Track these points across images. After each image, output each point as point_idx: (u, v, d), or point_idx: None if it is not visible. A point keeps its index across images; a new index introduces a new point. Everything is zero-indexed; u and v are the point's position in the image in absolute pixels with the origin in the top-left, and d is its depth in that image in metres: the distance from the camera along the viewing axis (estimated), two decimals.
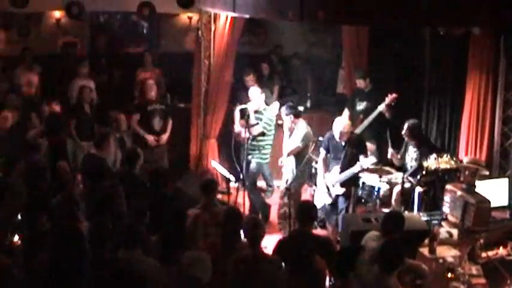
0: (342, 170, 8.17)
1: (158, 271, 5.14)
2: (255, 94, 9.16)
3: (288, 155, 8.63)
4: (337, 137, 8.16)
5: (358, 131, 9.06)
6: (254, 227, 5.64)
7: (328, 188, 8.35)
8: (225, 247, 5.72)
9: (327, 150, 8.43)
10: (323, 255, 5.54)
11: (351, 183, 8.24)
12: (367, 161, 7.99)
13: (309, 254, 5.35)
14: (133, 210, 6.20)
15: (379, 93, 9.35)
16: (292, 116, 8.56)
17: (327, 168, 8.45)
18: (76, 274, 4.86)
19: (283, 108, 8.73)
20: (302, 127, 8.57)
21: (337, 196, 8.28)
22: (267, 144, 9.16)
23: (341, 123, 8.19)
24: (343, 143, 8.19)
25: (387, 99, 9.17)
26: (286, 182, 8.59)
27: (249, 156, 9.05)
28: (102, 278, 4.82)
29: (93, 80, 10.43)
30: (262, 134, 8.97)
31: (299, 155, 8.50)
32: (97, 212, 6.14)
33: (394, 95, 9.15)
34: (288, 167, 8.72)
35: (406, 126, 8.45)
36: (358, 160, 8.02)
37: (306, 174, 8.95)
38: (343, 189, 8.20)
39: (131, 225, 5.37)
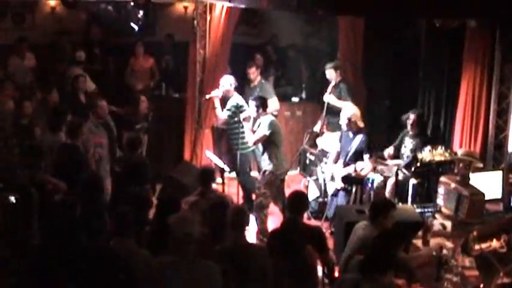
0: (346, 165, 8.11)
1: (149, 262, 5.06)
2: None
3: (255, 143, 8.37)
4: (343, 124, 8.10)
5: None
6: (237, 214, 5.46)
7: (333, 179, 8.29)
8: (213, 237, 5.61)
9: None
10: (314, 244, 5.54)
11: (353, 180, 8.14)
12: (361, 164, 7.96)
13: (299, 243, 5.33)
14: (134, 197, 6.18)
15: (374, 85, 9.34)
16: (261, 108, 8.17)
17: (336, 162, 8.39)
18: (67, 261, 4.83)
19: (253, 99, 8.34)
20: (268, 117, 8.22)
21: (338, 190, 8.21)
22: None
23: (349, 110, 8.12)
24: (351, 135, 8.13)
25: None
26: (260, 171, 8.39)
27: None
28: (91, 266, 4.81)
29: (88, 69, 10.38)
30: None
31: (269, 142, 8.13)
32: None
33: None
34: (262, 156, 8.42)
35: (415, 114, 8.45)
36: (362, 158, 7.99)
37: (286, 164, 8.46)
38: (342, 185, 8.14)
39: (125, 213, 5.30)
